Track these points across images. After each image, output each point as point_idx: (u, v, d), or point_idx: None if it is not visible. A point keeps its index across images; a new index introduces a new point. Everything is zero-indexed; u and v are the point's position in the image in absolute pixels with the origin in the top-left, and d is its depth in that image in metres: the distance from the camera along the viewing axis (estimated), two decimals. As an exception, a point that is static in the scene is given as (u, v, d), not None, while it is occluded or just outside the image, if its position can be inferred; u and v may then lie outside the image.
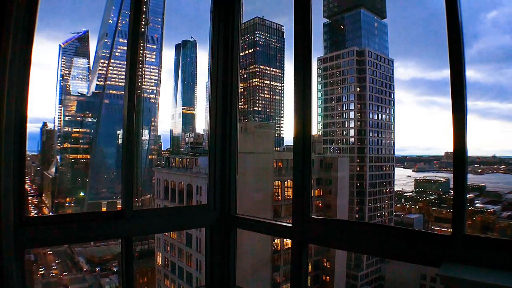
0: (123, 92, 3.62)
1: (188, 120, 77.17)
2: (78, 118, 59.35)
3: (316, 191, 32.96)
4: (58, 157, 57.21)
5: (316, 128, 44.87)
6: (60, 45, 63.43)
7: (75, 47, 64.35)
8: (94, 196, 54.88)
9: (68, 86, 61.74)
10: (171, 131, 75.79)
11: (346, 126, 43.15)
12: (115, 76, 61.73)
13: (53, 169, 57.28)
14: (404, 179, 48.71)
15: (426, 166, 52.30)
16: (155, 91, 65.45)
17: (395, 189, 44.10)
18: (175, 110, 78.47)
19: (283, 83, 72.51)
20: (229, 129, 4.19)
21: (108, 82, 61.21)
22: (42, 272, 41.17)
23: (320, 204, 33.52)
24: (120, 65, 61.14)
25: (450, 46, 2.57)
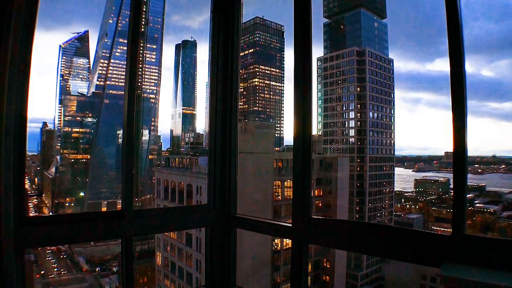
0: (123, 92, 3.62)
1: (188, 120, 77.24)
2: (78, 118, 59.37)
3: (316, 191, 32.97)
4: (58, 157, 57.25)
5: (316, 128, 44.93)
6: (60, 45, 63.51)
7: (75, 47, 64.39)
8: (94, 196, 54.89)
9: (68, 86, 61.79)
10: (171, 131, 75.87)
11: (346, 126, 43.15)
12: (115, 76, 61.76)
13: (53, 169, 57.30)
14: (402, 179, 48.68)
15: (426, 166, 52.33)
16: (155, 91, 65.49)
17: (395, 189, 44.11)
18: (175, 110, 78.53)
19: (283, 83, 72.61)
20: (229, 129, 4.19)
21: (108, 82, 61.23)
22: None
23: (320, 204, 33.53)
24: (120, 65, 61.17)
25: (450, 45, 2.56)
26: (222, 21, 4.21)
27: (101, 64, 61.87)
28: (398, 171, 45.69)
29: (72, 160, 57.03)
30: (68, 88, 61.52)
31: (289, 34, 67.31)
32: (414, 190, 47.11)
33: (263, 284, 28.70)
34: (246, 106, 69.76)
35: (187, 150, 41.43)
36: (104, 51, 62.06)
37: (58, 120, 59.31)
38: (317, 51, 47.44)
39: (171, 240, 32.31)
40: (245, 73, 69.25)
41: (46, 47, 64.76)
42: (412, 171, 51.77)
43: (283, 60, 71.55)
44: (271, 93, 71.25)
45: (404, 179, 48.66)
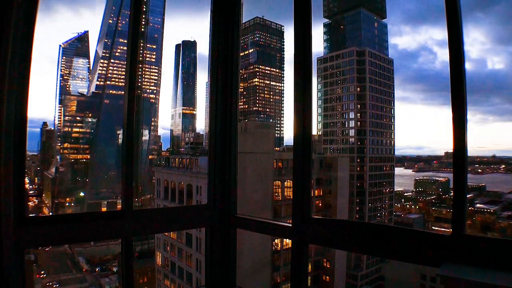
0: (123, 92, 3.62)
1: (188, 120, 77.28)
2: (78, 118, 59.39)
3: (316, 191, 32.96)
4: (58, 157, 57.25)
5: (316, 128, 44.92)
6: (60, 45, 63.54)
7: (75, 47, 64.39)
8: (94, 196, 54.87)
9: (68, 86, 61.81)
10: (171, 131, 75.98)
11: (346, 126, 43.15)
12: (115, 76, 61.76)
13: (53, 169, 57.30)
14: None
15: (426, 166, 52.32)
16: (155, 91, 65.52)
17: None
18: (175, 110, 78.57)
19: (283, 83, 72.70)
20: (229, 129, 4.18)
21: (108, 82, 61.25)
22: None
23: (320, 204, 33.52)
24: (120, 65, 61.16)
25: (450, 42, 2.55)
26: (222, 21, 4.21)
27: (101, 64, 61.88)
28: (398, 171, 45.68)
29: (72, 160, 57.03)
30: (68, 88, 61.55)
31: (289, 33, 67.40)
32: (414, 190, 47.13)
33: (263, 284, 28.70)
34: (246, 106, 69.80)
35: (187, 150, 41.45)
36: (104, 51, 62.07)
37: (58, 120, 59.35)
38: (317, 51, 47.48)
39: (171, 240, 32.29)
40: (245, 73, 69.28)
41: (46, 47, 64.79)
42: (412, 171, 51.78)
43: (283, 60, 71.63)
44: (271, 93, 71.31)
45: (404, 179, 48.64)
